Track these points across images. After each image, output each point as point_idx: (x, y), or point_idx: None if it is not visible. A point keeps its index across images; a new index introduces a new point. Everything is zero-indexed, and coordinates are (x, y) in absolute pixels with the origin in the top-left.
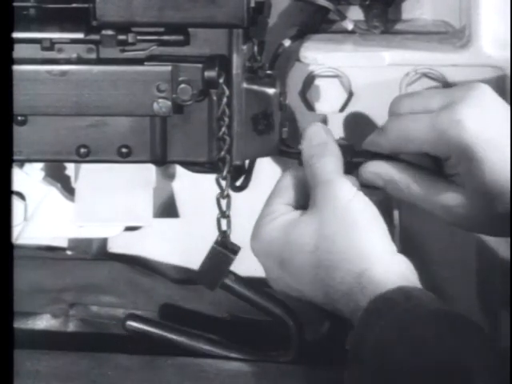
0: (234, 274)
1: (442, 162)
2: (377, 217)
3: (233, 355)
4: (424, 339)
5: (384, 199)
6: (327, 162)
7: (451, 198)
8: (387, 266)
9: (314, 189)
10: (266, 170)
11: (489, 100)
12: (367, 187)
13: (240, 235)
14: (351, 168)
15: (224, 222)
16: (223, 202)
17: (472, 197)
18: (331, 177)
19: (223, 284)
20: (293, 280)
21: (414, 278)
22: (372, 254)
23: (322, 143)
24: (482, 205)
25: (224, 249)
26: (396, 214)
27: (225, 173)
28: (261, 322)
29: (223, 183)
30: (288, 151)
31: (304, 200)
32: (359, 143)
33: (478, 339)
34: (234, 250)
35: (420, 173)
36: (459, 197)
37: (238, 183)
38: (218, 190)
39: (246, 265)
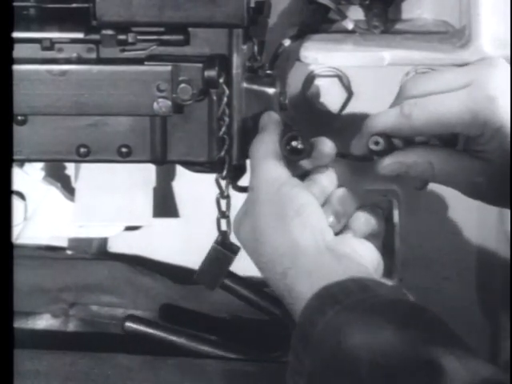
0: (234, 274)
1: (469, 140)
2: (308, 205)
3: (232, 356)
4: (383, 327)
5: (384, 200)
6: (260, 145)
7: (478, 173)
8: (315, 262)
9: (250, 174)
10: None
11: (510, 75)
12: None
13: None
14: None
15: (224, 222)
16: (223, 203)
17: (500, 171)
18: (261, 160)
19: (223, 284)
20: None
21: (363, 268)
22: (297, 251)
23: (261, 129)
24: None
25: (224, 249)
26: (396, 213)
27: (225, 173)
28: (261, 321)
29: (223, 183)
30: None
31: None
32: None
33: (442, 329)
34: (234, 249)
35: (440, 151)
36: (487, 171)
37: (242, 184)
38: (218, 190)
39: (246, 264)
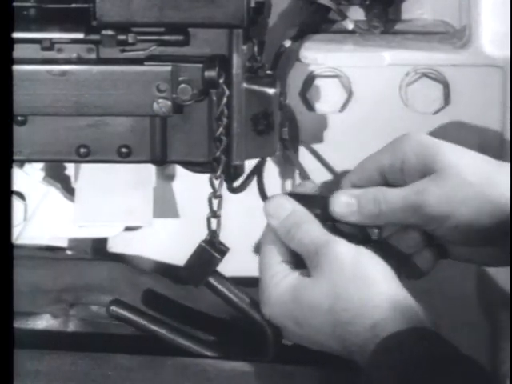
0: (220, 275)
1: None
2: (383, 266)
3: (204, 351)
4: (433, 379)
5: None
6: (310, 229)
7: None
8: (399, 314)
9: (313, 255)
10: (265, 171)
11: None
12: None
13: (231, 235)
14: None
15: (214, 221)
16: (215, 202)
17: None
18: (324, 239)
19: (207, 283)
20: (311, 337)
21: (424, 317)
22: (384, 305)
23: (292, 213)
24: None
25: (211, 248)
26: None
27: (219, 173)
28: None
29: (216, 183)
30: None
31: (295, 255)
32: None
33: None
34: (222, 250)
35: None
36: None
37: (236, 184)
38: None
39: (233, 265)
